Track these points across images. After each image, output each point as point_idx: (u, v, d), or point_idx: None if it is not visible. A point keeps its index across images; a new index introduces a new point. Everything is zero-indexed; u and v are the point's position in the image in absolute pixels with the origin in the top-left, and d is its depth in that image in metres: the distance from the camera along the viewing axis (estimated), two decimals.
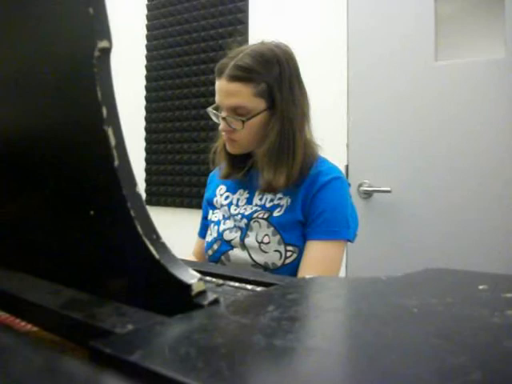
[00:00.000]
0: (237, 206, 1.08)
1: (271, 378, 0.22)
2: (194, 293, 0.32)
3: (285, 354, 0.24)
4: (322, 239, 0.98)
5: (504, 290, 0.35)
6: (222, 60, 0.99)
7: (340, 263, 1.03)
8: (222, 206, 1.11)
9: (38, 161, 0.39)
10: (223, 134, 1.02)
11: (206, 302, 0.32)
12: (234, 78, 0.95)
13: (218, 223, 1.09)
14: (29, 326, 0.43)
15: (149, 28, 2.54)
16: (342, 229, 0.98)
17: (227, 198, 1.12)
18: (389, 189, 1.85)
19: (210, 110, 1.05)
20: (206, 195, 1.19)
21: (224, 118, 0.99)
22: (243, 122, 0.97)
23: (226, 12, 2.25)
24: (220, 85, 0.98)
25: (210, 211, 1.15)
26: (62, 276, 0.41)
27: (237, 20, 2.22)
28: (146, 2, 2.56)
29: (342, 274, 1.93)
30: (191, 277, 0.32)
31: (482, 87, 1.71)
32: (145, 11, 2.56)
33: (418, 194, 1.82)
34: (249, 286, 0.44)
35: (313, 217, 0.98)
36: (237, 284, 0.45)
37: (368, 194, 1.92)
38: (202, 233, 1.21)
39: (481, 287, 0.35)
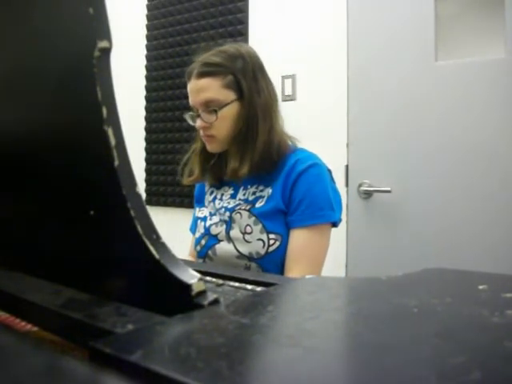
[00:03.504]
0: (221, 200, 1.12)
1: (271, 378, 0.22)
2: (194, 293, 0.32)
3: (284, 354, 0.24)
4: (307, 225, 1.00)
5: (504, 289, 0.35)
6: (191, 65, 1.05)
7: (327, 248, 1.05)
8: (209, 202, 1.15)
9: (38, 161, 0.39)
10: (201, 133, 1.06)
11: (205, 302, 0.32)
12: (202, 75, 1.01)
13: (204, 219, 1.12)
14: (29, 326, 0.43)
15: (149, 28, 2.54)
16: (326, 211, 1.00)
17: (212, 192, 1.16)
18: (389, 189, 1.85)
19: (186, 116, 1.10)
20: (196, 193, 1.24)
21: (199, 116, 1.04)
22: (216, 112, 1.01)
23: (226, 12, 2.25)
24: (191, 85, 1.04)
25: (197, 208, 1.19)
26: (62, 276, 0.41)
27: (237, 20, 2.22)
28: (146, 2, 2.56)
29: (342, 274, 1.93)
30: (191, 277, 0.32)
31: (482, 87, 1.71)
32: (145, 11, 2.56)
33: (418, 194, 1.82)
34: (249, 286, 0.44)
35: (294, 205, 1.00)
36: (237, 284, 0.45)
37: (368, 194, 1.92)
38: (194, 228, 1.22)
39: (481, 287, 0.35)
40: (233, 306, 0.33)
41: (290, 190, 1.01)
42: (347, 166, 1.95)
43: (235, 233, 1.03)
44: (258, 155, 1.02)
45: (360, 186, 1.92)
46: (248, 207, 1.04)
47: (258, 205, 1.03)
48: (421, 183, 1.81)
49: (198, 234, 1.13)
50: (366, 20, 1.92)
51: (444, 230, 1.76)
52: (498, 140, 1.68)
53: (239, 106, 1.03)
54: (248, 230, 1.02)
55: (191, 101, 1.05)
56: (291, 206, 1.01)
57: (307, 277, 0.42)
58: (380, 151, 1.89)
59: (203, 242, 1.09)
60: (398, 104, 1.85)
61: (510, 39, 1.67)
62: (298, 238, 1.00)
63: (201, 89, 1.02)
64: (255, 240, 1.00)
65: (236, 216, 1.04)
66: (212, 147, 1.07)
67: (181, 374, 0.21)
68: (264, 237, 1.00)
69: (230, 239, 1.04)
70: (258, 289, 0.43)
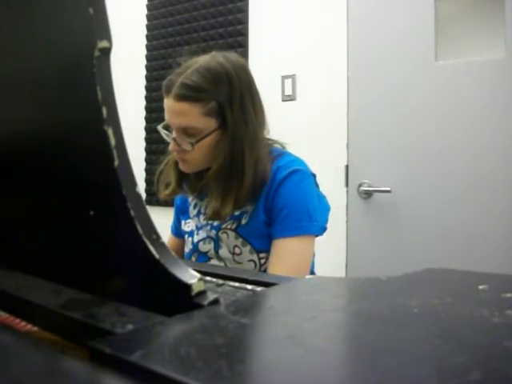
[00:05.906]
0: (205, 214, 1.04)
1: (271, 378, 0.22)
2: (194, 293, 0.32)
3: (284, 354, 0.24)
4: (286, 236, 0.95)
5: (504, 289, 0.35)
6: (170, 76, 0.94)
7: (309, 259, 0.99)
8: (194, 216, 1.10)
9: (38, 161, 0.39)
10: (174, 153, 0.98)
11: (205, 302, 0.32)
12: (181, 98, 0.90)
13: (191, 234, 1.08)
14: (29, 326, 0.43)
15: (149, 28, 2.54)
16: (304, 223, 0.95)
17: (196, 206, 1.10)
18: (389, 189, 1.85)
19: (160, 128, 1.00)
20: (178, 203, 1.17)
21: (174, 139, 0.95)
22: (192, 144, 0.92)
23: (226, 12, 2.25)
24: (168, 104, 0.93)
25: (183, 221, 1.13)
26: (62, 276, 0.41)
27: (237, 20, 2.22)
28: (146, 2, 2.56)
29: (342, 274, 1.93)
30: (191, 277, 0.32)
31: (482, 87, 1.71)
32: (145, 11, 2.56)
33: (417, 194, 1.82)
34: (249, 286, 0.44)
35: (274, 214, 0.96)
36: (237, 284, 0.45)
37: (368, 194, 1.92)
38: (174, 230, 1.20)
39: (481, 287, 0.35)
40: (233, 306, 0.33)
41: (271, 199, 0.95)
42: (347, 166, 1.95)
43: (224, 252, 1.00)
44: (244, 194, 0.93)
45: (360, 186, 1.92)
46: (234, 226, 0.99)
47: (243, 221, 0.98)
48: (421, 183, 1.81)
49: (186, 250, 1.10)
50: (366, 20, 1.92)
51: (444, 230, 1.76)
52: (498, 140, 1.68)
53: (220, 136, 0.93)
54: (237, 251, 0.98)
55: (167, 118, 0.94)
56: (272, 215, 0.96)
57: (307, 277, 0.42)
58: (380, 151, 1.89)
59: (193, 258, 1.07)
60: (398, 104, 1.85)
61: (510, 39, 1.67)
62: (277, 248, 0.95)
63: (178, 113, 0.91)
64: (246, 261, 0.98)
65: (223, 236, 1.00)
66: (184, 168, 0.99)
67: (180, 373, 0.21)
68: (254, 257, 0.97)
69: (220, 258, 1.01)
70: (258, 289, 0.43)
